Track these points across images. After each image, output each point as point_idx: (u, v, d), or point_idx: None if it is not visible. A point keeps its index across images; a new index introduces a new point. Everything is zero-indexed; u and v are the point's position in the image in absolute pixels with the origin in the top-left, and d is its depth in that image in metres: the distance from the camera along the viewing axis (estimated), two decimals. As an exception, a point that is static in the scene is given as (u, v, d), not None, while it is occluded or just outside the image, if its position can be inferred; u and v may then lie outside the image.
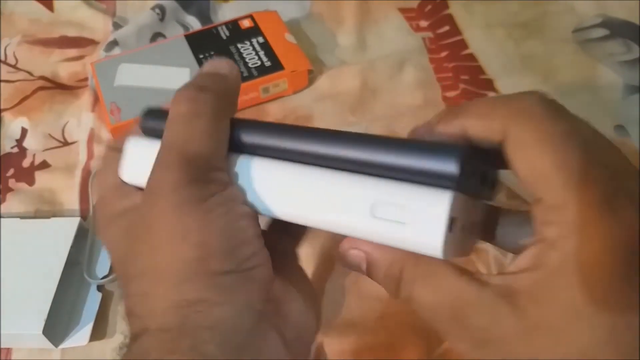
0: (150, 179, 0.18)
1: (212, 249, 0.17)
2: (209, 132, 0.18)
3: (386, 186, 0.16)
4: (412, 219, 0.16)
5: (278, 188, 0.18)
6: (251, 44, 0.45)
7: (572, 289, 0.14)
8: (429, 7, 0.51)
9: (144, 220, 0.18)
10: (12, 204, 0.40)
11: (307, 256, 0.34)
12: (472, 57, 0.46)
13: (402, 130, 0.35)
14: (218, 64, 0.21)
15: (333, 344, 0.32)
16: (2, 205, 0.40)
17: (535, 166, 0.15)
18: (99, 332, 0.34)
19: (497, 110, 0.16)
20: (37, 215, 0.39)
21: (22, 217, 0.38)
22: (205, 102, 0.19)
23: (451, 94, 0.44)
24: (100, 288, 0.35)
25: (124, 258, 0.19)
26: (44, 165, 0.42)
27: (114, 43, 0.48)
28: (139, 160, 0.20)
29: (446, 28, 0.49)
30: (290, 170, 0.18)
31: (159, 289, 0.17)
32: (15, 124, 0.45)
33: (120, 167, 0.21)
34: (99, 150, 0.43)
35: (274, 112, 0.44)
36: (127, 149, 0.21)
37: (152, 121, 0.21)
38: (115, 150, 0.22)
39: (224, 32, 0.47)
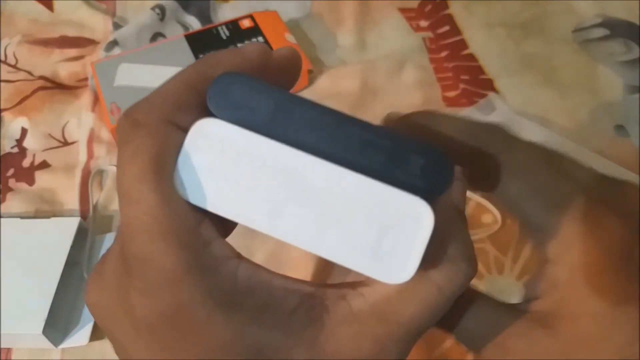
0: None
1: None
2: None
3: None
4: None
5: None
6: (251, 44, 0.45)
7: (589, 299, 0.16)
8: (429, 7, 0.51)
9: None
10: (12, 203, 0.40)
11: (307, 256, 0.34)
12: (472, 57, 0.46)
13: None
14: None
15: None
16: (2, 205, 0.40)
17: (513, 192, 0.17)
18: (99, 332, 0.34)
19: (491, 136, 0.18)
20: (37, 215, 0.39)
21: (22, 217, 0.38)
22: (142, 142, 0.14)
23: (451, 93, 0.44)
24: (100, 288, 0.35)
25: None
26: (44, 165, 0.42)
27: (114, 43, 0.48)
28: (218, 164, 0.15)
29: (446, 28, 0.49)
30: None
31: None
32: (15, 124, 0.45)
33: (178, 172, 0.15)
34: (99, 150, 0.43)
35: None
36: (196, 141, 0.15)
37: (235, 96, 0.15)
38: (159, 129, 0.15)
39: (224, 32, 0.47)
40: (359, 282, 0.16)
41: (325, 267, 0.35)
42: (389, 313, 0.15)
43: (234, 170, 0.15)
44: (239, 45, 0.46)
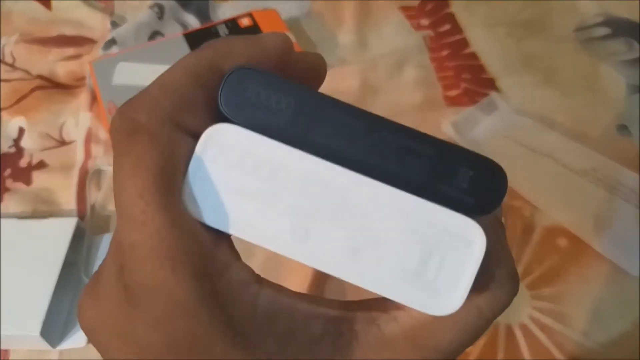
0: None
1: None
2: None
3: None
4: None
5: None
6: (250, 43, 0.45)
7: None
8: (430, 5, 0.50)
9: None
10: (10, 204, 0.40)
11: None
12: (473, 56, 0.46)
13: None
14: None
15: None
16: (-1, 206, 0.40)
17: None
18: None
19: None
20: (34, 215, 0.39)
21: (19, 217, 0.38)
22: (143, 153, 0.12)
23: (452, 93, 0.44)
24: (98, 289, 0.35)
25: None
26: (42, 165, 0.42)
27: (112, 42, 0.48)
28: (234, 177, 0.13)
29: (447, 27, 0.49)
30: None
31: None
32: (12, 123, 0.45)
33: (188, 187, 0.13)
34: (96, 150, 0.42)
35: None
36: (208, 151, 0.13)
37: (252, 96, 0.13)
38: (161, 133, 0.13)
39: (223, 31, 0.46)
40: (391, 305, 0.14)
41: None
42: (425, 339, 0.13)
43: (253, 185, 0.13)
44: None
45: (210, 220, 0.13)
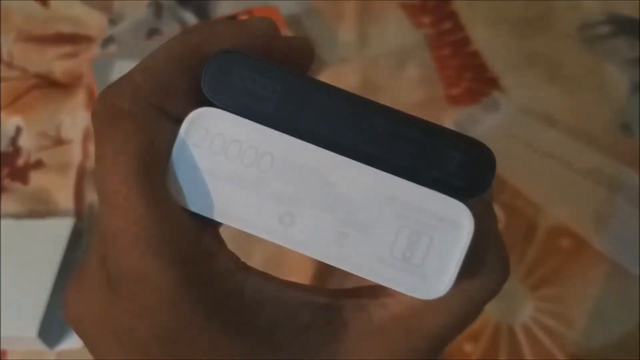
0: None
1: None
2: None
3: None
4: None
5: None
6: (250, 41, 0.45)
7: None
8: (431, 3, 0.50)
9: None
10: (7, 203, 0.39)
11: (308, 257, 0.34)
12: (476, 54, 0.46)
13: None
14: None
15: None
16: (-4, 205, 0.40)
17: None
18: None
19: None
20: (31, 215, 0.39)
21: (16, 217, 0.38)
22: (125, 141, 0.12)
23: (454, 91, 0.44)
24: (95, 290, 0.34)
25: None
26: (39, 164, 0.42)
27: (109, 40, 0.48)
28: (218, 162, 0.13)
29: (449, 25, 0.48)
30: None
31: None
32: (9, 122, 0.44)
33: (172, 173, 0.13)
34: (94, 149, 0.42)
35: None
36: (191, 135, 0.13)
37: (237, 79, 0.13)
38: (145, 114, 0.12)
39: (222, 29, 0.46)
40: (380, 291, 0.14)
41: (327, 268, 0.34)
42: (414, 326, 0.13)
43: (238, 170, 0.13)
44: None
45: (194, 206, 0.13)
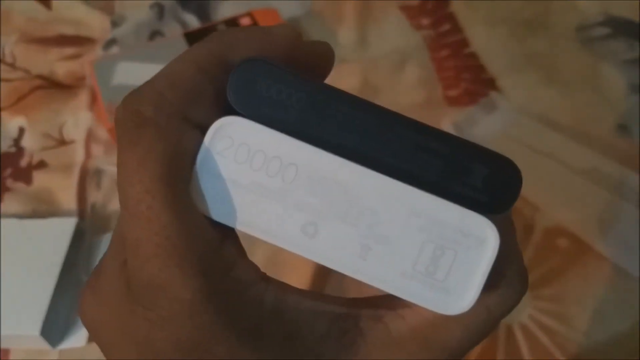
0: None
1: None
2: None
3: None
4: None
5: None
6: (251, 42, 0.45)
7: None
8: (430, 5, 0.50)
9: None
10: (10, 203, 0.40)
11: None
12: (474, 55, 0.46)
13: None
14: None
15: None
16: (-1, 205, 0.40)
17: None
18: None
19: None
20: (34, 215, 0.39)
21: (19, 217, 0.38)
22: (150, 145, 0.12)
23: (453, 92, 0.44)
24: (98, 289, 0.35)
25: None
26: (42, 164, 0.42)
27: (112, 41, 0.48)
28: (243, 172, 0.13)
29: (448, 26, 0.48)
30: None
31: None
32: (12, 123, 0.45)
33: (196, 182, 0.13)
34: (96, 149, 0.42)
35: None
36: (216, 145, 0.13)
37: (263, 89, 0.13)
38: (166, 126, 0.12)
39: (223, 30, 0.46)
40: (397, 302, 0.14)
41: (326, 268, 0.35)
42: (432, 338, 0.13)
43: (262, 179, 0.12)
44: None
45: (217, 215, 0.13)
